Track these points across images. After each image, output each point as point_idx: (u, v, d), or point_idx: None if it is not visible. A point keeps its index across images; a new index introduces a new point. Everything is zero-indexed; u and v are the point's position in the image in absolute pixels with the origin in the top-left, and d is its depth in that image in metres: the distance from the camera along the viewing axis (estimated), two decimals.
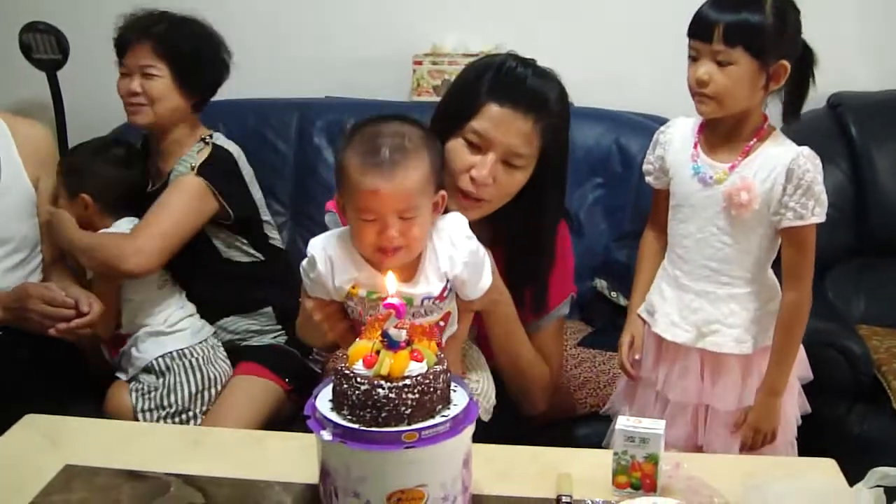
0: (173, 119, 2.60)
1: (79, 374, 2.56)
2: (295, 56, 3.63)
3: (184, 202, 2.50)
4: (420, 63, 3.42)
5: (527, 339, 2.12)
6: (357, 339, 1.63)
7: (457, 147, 1.95)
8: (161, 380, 2.44)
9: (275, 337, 2.65)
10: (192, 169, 2.52)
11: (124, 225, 2.51)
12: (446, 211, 1.87)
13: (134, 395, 2.44)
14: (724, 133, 2.02)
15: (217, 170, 2.55)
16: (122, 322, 2.50)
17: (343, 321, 1.88)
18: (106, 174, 2.55)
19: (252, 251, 2.66)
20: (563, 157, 2.08)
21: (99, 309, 2.40)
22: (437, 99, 3.24)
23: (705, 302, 2.05)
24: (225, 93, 2.83)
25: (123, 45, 2.61)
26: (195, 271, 2.56)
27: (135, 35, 2.58)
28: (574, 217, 2.29)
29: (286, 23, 3.65)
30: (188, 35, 2.61)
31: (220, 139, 2.65)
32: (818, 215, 1.95)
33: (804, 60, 1.98)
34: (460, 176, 1.94)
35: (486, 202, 1.96)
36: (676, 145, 2.12)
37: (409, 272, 1.80)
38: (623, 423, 1.64)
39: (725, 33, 1.88)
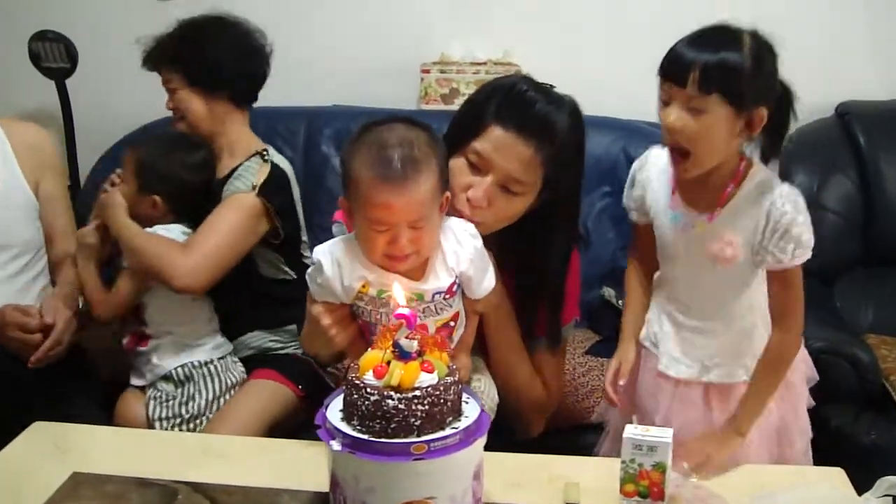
0: (213, 123, 2.60)
1: (88, 381, 2.55)
2: (303, 64, 3.61)
3: (242, 222, 2.47)
4: (428, 71, 3.43)
5: (526, 356, 2.10)
6: (365, 345, 1.68)
7: (458, 166, 1.92)
8: (179, 389, 2.44)
9: (296, 349, 2.63)
10: (254, 188, 2.48)
11: (176, 231, 2.48)
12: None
13: (152, 403, 2.43)
14: (700, 178, 1.90)
15: (276, 190, 2.53)
16: (147, 319, 2.47)
17: (350, 326, 1.87)
18: (185, 180, 2.51)
19: (287, 269, 2.64)
20: (574, 188, 2.04)
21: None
22: (445, 107, 3.30)
23: (705, 338, 2.01)
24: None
25: (153, 68, 2.64)
26: (227, 284, 2.50)
27: (152, 63, 2.63)
28: (584, 228, 2.28)
29: (294, 32, 3.63)
30: (187, 38, 2.60)
31: (276, 156, 2.63)
32: (799, 256, 1.86)
33: (783, 99, 1.88)
34: (458, 195, 1.90)
35: (481, 224, 1.91)
36: (654, 184, 2.03)
37: (419, 270, 1.81)
38: (631, 431, 1.63)
39: (702, 77, 1.75)
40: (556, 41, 3.49)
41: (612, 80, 3.43)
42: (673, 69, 1.81)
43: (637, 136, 3.12)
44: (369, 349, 1.53)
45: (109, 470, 1.78)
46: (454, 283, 1.83)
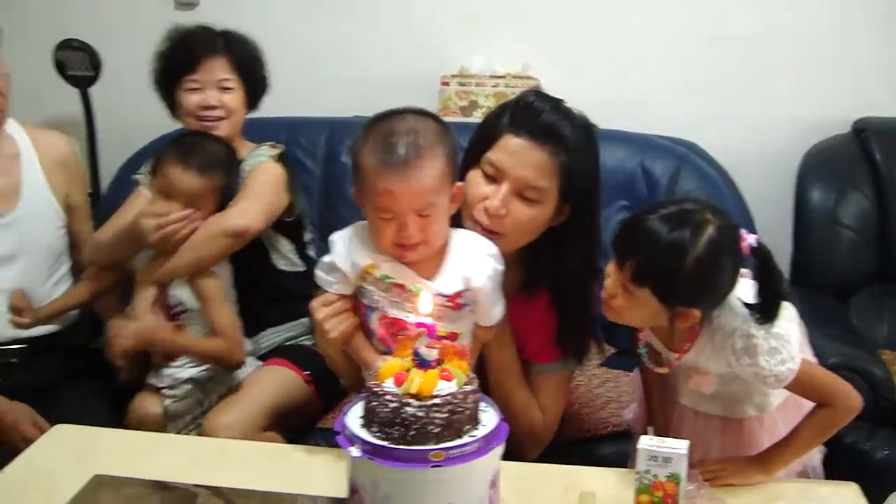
0: (237, 131, 2.68)
1: (104, 385, 2.58)
2: (324, 76, 3.68)
3: (273, 181, 2.56)
4: (447, 84, 3.44)
5: (523, 383, 2.09)
6: (362, 339, 1.78)
7: (474, 178, 1.95)
8: (197, 387, 2.46)
9: (307, 340, 2.67)
10: (271, 158, 2.59)
11: None
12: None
13: (167, 401, 2.44)
14: (656, 328, 1.89)
15: (288, 164, 2.64)
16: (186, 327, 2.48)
17: (346, 322, 1.89)
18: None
19: (296, 259, 2.70)
20: (591, 208, 2.01)
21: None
22: (464, 119, 3.31)
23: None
24: (256, 111, 2.88)
25: (191, 60, 2.62)
26: (244, 279, 2.57)
27: (205, 49, 2.62)
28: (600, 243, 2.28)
29: (316, 43, 3.70)
30: (247, 46, 2.69)
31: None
32: (790, 371, 1.77)
33: (764, 270, 1.77)
34: (475, 207, 1.92)
35: (501, 236, 1.92)
36: None
37: (432, 269, 1.84)
38: (646, 442, 1.64)
39: (636, 270, 1.72)
40: (574, 55, 3.51)
41: (630, 94, 3.46)
42: (615, 249, 1.78)
43: (654, 150, 3.12)
44: (388, 357, 1.55)
45: (130, 473, 1.81)
46: (458, 294, 1.84)
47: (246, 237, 2.45)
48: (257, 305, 2.63)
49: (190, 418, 2.44)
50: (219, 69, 2.61)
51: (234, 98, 2.63)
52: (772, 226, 2.97)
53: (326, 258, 1.89)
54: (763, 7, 3.36)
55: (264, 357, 2.61)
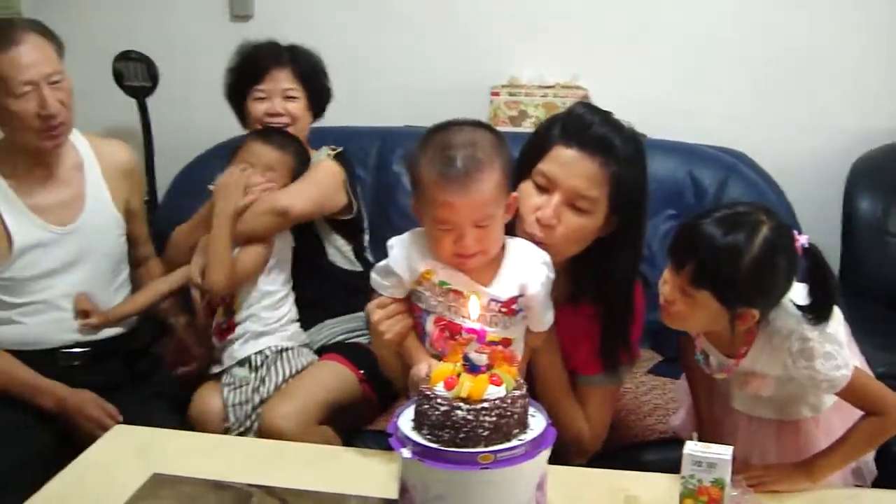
0: (303, 137, 2.81)
1: (164, 387, 2.64)
2: (376, 86, 3.73)
3: (328, 176, 2.70)
4: (497, 94, 3.47)
5: (570, 393, 2.11)
6: (415, 341, 1.81)
7: (526, 189, 1.97)
8: (253, 374, 2.51)
9: (362, 338, 2.73)
10: (329, 157, 2.73)
11: None
12: None
13: (226, 389, 2.50)
14: (714, 334, 1.91)
15: (346, 165, 2.77)
16: (238, 307, 2.55)
17: (401, 324, 1.94)
18: None
19: (354, 260, 2.82)
20: (638, 215, 2.02)
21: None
22: (514, 129, 3.34)
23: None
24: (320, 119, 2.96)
25: (258, 71, 2.80)
26: (302, 269, 2.68)
27: (272, 61, 2.81)
28: (648, 250, 2.28)
29: (368, 54, 3.75)
30: (313, 60, 2.87)
31: None
32: (844, 377, 1.79)
33: (816, 270, 1.79)
34: (527, 218, 1.95)
35: (552, 245, 1.94)
36: None
37: (488, 276, 1.87)
38: (691, 447, 1.66)
39: (694, 274, 1.74)
40: (623, 66, 3.53)
41: (678, 104, 3.48)
42: (673, 253, 1.81)
43: (703, 160, 3.13)
44: (439, 361, 1.59)
45: (187, 472, 1.85)
46: (514, 300, 1.87)
47: (288, 216, 2.57)
48: (315, 296, 2.71)
49: (249, 408, 2.48)
50: (284, 79, 2.79)
51: (299, 106, 2.80)
52: (820, 235, 2.90)
53: (383, 262, 1.93)
54: (812, 17, 3.36)
55: (321, 351, 2.67)
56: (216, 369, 2.57)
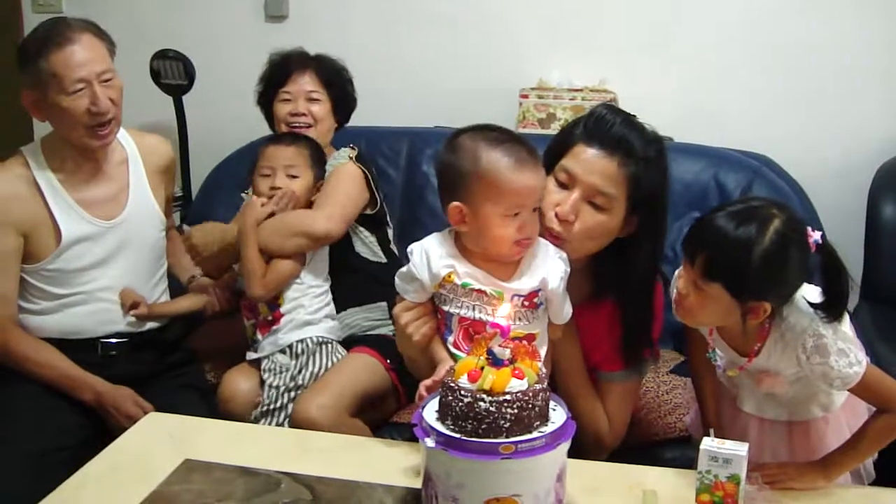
0: (325, 140, 2.92)
1: (196, 377, 2.73)
2: (406, 88, 3.78)
3: (352, 182, 2.79)
4: (526, 96, 3.50)
5: (590, 388, 2.15)
6: (439, 342, 1.87)
7: (547, 185, 2.01)
8: (294, 361, 2.59)
9: (388, 330, 2.79)
10: (350, 159, 2.82)
11: None
12: None
13: (266, 373, 2.58)
14: (727, 330, 1.94)
15: (367, 165, 2.86)
16: (283, 301, 2.64)
17: (427, 325, 1.98)
18: None
19: (378, 251, 2.91)
20: (658, 216, 2.05)
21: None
22: (542, 131, 3.36)
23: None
24: (346, 124, 3.01)
25: (284, 75, 2.94)
26: (332, 261, 2.77)
27: (297, 66, 2.94)
28: (672, 251, 2.30)
29: (399, 56, 3.80)
30: (336, 67, 2.98)
31: None
32: (857, 373, 1.80)
33: (829, 267, 1.79)
34: (547, 213, 1.99)
35: (568, 241, 1.99)
36: None
37: (508, 273, 1.92)
38: (707, 443, 1.69)
39: (706, 265, 1.77)
40: (650, 70, 3.55)
41: (705, 108, 3.50)
42: (686, 246, 1.83)
43: (728, 164, 3.14)
44: (464, 355, 1.64)
45: (218, 458, 1.91)
46: (535, 293, 1.92)
47: (324, 241, 2.68)
48: (343, 286, 2.78)
49: (284, 392, 2.54)
50: (307, 82, 2.91)
51: (321, 108, 2.91)
52: (843, 240, 2.92)
53: (405, 268, 1.98)
54: (838, 22, 3.37)
55: (347, 343, 2.73)
56: (252, 356, 2.65)
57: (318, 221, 2.64)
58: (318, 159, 2.75)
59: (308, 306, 2.65)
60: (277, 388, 2.55)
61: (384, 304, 2.80)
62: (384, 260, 2.90)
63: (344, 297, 2.80)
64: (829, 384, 1.83)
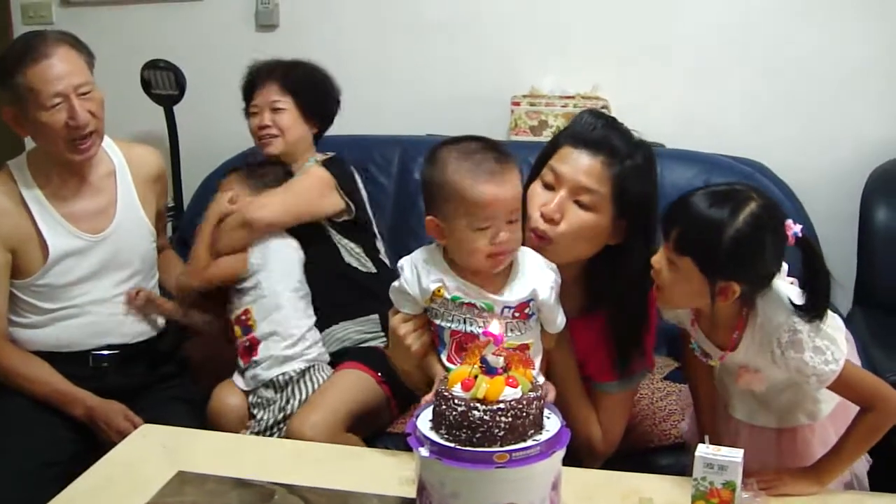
0: (299, 148, 2.91)
1: (186, 389, 2.71)
2: (398, 95, 3.78)
3: (309, 182, 2.80)
4: (518, 104, 3.50)
5: (584, 398, 2.15)
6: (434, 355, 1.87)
7: (534, 189, 2.04)
8: (279, 394, 2.58)
9: (379, 342, 2.78)
10: (317, 163, 2.83)
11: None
12: None
13: (255, 407, 2.59)
14: (705, 315, 1.93)
15: (339, 168, 2.84)
16: (253, 324, 2.64)
17: (425, 336, 1.99)
18: None
19: (367, 261, 2.88)
20: (647, 222, 2.04)
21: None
22: (534, 139, 3.37)
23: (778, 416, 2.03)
24: (332, 128, 2.99)
25: (251, 88, 2.96)
26: (319, 271, 2.78)
27: (261, 78, 2.91)
28: None
29: (390, 64, 3.80)
30: (305, 72, 2.95)
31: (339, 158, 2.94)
32: (833, 371, 1.80)
33: (808, 261, 1.79)
34: (533, 214, 2.01)
35: (555, 244, 1.99)
36: (680, 312, 2.05)
37: (498, 285, 1.92)
38: (703, 450, 1.69)
39: (678, 239, 1.79)
40: (642, 77, 3.55)
41: (697, 114, 3.50)
42: (664, 223, 1.84)
43: (721, 170, 3.13)
44: (458, 365, 1.63)
45: (212, 470, 1.90)
46: (526, 304, 1.92)
47: (254, 228, 2.68)
48: (332, 297, 2.78)
49: (272, 422, 2.54)
50: (271, 93, 2.90)
51: (287, 117, 2.89)
52: (837, 245, 2.96)
53: (396, 283, 1.98)
54: (831, 29, 3.37)
55: (337, 355, 2.72)
56: (242, 386, 2.64)
57: (249, 208, 2.68)
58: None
59: (285, 339, 2.62)
60: (266, 419, 2.55)
61: (376, 316, 2.79)
62: (374, 270, 2.89)
63: (335, 311, 2.79)
64: (806, 380, 1.83)
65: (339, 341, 2.78)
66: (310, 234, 2.79)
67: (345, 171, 2.87)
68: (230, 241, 2.69)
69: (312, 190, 2.78)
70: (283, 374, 2.58)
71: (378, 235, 2.99)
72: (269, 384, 2.59)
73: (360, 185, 2.93)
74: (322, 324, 2.75)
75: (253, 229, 2.68)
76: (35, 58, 2.37)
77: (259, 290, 2.66)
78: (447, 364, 1.93)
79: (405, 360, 2.03)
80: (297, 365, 2.61)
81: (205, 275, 2.67)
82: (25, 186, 2.49)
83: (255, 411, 2.59)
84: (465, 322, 1.91)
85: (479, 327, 1.88)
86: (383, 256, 2.96)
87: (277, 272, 2.68)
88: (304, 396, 2.56)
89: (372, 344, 2.78)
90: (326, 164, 2.84)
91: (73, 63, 2.42)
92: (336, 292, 2.79)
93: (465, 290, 1.90)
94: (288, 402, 2.56)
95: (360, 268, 2.86)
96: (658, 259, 1.85)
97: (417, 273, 1.94)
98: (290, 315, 2.66)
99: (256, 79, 2.94)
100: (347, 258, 2.85)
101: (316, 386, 2.58)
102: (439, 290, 1.91)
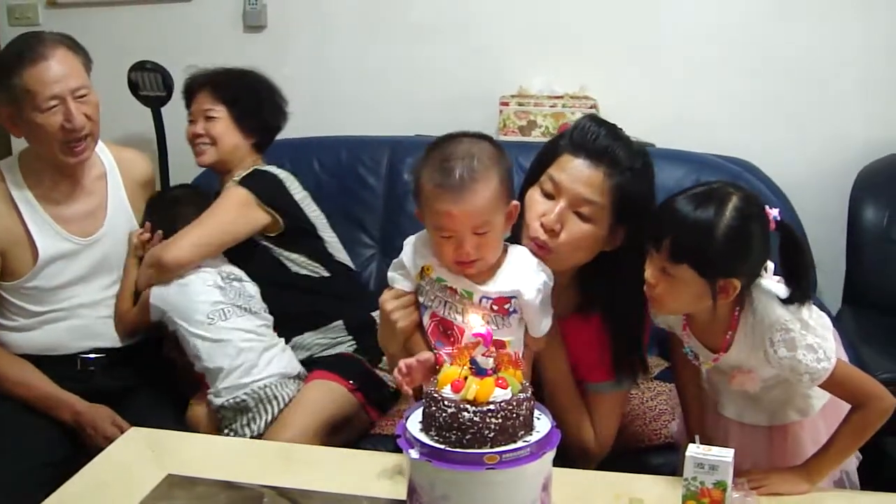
0: (235, 157, 2.84)
1: (170, 392, 2.69)
2: (386, 96, 3.76)
3: (226, 207, 2.70)
4: (507, 104, 3.50)
5: (578, 398, 2.15)
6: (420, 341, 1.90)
7: (533, 196, 2.02)
8: (240, 416, 2.52)
9: (347, 347, 2.76)
10: (235, 183, 2.74)
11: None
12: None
13: (226, 430, 2.53)
14: (699, 319, 1.94)
15: (258, 182, 2.75)
16: (198, 361, 2.56)
17: (413, 314, 1.99)
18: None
19: (316, 266, 2.82)
20: (643, 228, 2.00)
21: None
22: (523, 138, 3.36)
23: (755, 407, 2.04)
24: (321, 129, 2.98)
25: (189, 96, 2.92)
26: (267, 287, 2.72)
27: (196, 85, 2.89)
28: None
29: (379, 64, 3.78)
30: (242, 81, 2.89)
31: (268, 167, 2.85)
32: (825, 369, 1.81)
33: (789, 244, 1.83)
34: (532, 223, 1.99)
35: (555, 253, 1.98)
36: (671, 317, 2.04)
37: (485, 277, 1.92)
38: (693, 450, 1.68)
39: (671, 249, 1.77)
40: (631, 76, 3.55)
41: (686, 114, 3.50)
42: (652, 234, 1.82)
43: (711, 169, 3.12)
44: (446, 365, 1.63)
45: (201, 473, 1.89)
46: (507, 300, 1.91)
47: (173, 270, 2.59)
48: (288, 310, 2.72)
49: (248, 436, 2.51)
50: (204, 101, 2.85)
51: (219, 126, 2.82)
52: (825, 244, 2.98)
53: (398, 260, 2.00)
54: (818, 29, 3.38)
55: (305, 364, 2.69)
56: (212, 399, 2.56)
57: (158, 249, 2.60)
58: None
59: (233, 370, 2.53)
60: (238, 434, 2.50)
61: (340, 322, 2.77)
62: (327, 273, 2.82)
63: (295, 324, 2.75)
64: (799, 379, 1.83)
65: (306, 349, 2.76)
66: (247, 252, 2.73)
67: (266, 183, 2.77)
68: (146, 280, 2.62)
69: (228, 213, 2.69)
70: (241, 401, 2.51)
71: (330, 238, 2.89)
72: (231, 408, 2.52)
73: (295, 190, 2.83)
74: (285, 336, 2.71)
75: (163, 270, 2.59)
76: (33, 59, 2.36)
77: (182, 333, 2.57)
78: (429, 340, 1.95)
79: (391, 340, 2.02)
80: (255, 387, 2.52)
81: (127, 325, 2.62)
82: (16, 188, 2.48)
83: (221, 426, 2.53)
84: (445, 305, 1.93)
85: (458, 313, 1.90)
86: (338, 254, 2.89)
87: (181, 311, 2.58)
88: (269, 417, 2.51)
89: (340, 350, 2.76)
90: (245, 180, 2.74)
91: (71, 66, 2.42)
92: (290, 305, 2.73)
93: (450, 275, 1.92)
94: (251, 422, 2.50)
95: (311, 275, 2.81)
96: (651, 273, 1.83)
97: (415, 248, 1.97)
98: (228, 350, 2.54)
99: (193, 87, 2.90)
100: (294, 268, 2.79)
101: (283, 402, 2.53)
102: (428, 268, 1.94)
